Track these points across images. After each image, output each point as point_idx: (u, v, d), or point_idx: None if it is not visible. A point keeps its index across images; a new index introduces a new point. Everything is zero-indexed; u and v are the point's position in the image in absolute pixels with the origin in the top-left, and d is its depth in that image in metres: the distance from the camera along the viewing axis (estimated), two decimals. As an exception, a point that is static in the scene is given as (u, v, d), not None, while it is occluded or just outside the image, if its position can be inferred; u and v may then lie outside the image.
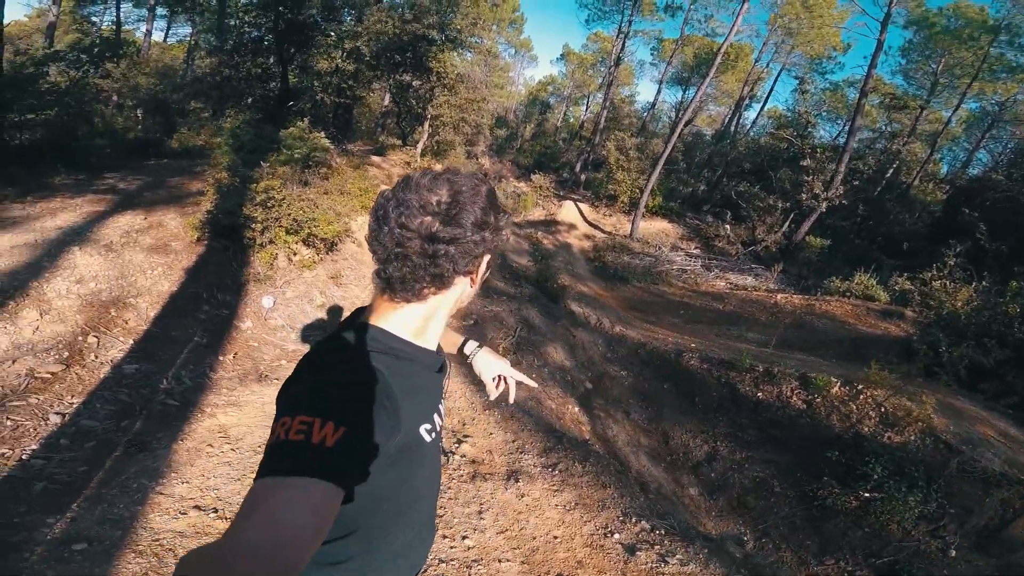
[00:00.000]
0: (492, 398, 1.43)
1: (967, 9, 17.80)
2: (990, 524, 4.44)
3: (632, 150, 18.33)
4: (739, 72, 24.01)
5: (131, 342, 3.94)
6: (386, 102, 17.84)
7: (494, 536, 3.12)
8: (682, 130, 17.86)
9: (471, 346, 1.46)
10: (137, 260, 4.81)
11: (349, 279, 6.48)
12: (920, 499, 4.48)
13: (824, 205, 14.48)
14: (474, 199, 0.91)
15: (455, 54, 12.91)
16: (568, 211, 17.84)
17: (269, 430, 3.21)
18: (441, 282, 0.92)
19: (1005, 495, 4.58)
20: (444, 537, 2.95)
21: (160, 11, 20.63)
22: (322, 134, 7.08)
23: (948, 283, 9.81)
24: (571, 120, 34.49)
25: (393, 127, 17.67)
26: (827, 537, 4.52)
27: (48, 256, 4.31)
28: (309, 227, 5.87)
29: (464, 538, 2.99)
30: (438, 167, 1.14)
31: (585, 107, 34.12)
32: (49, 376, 3.28)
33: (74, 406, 3.15)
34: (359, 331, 0.94)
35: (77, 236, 4.79)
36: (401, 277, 0.90)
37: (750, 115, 27.25)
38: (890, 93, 19.84)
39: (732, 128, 24.77)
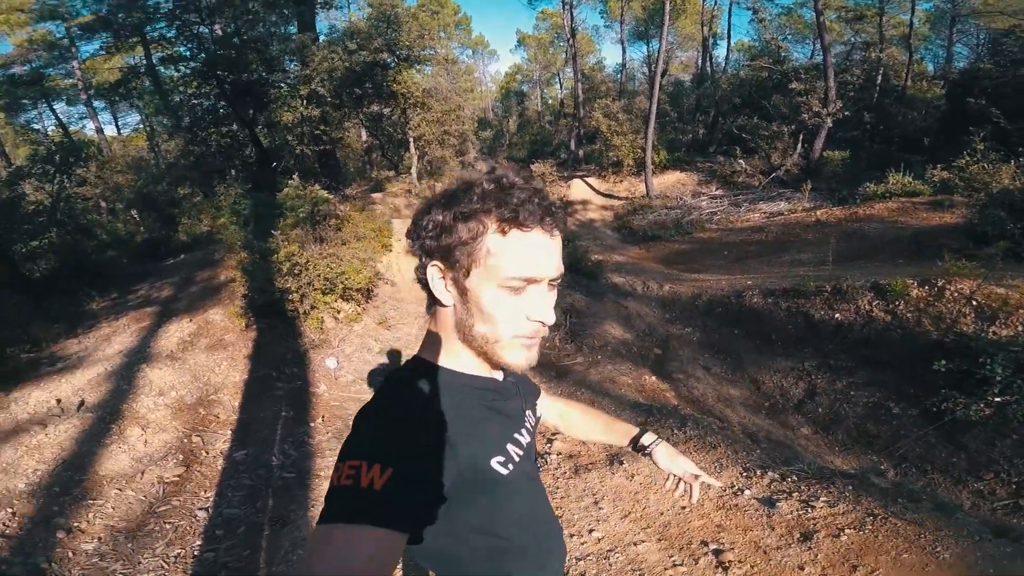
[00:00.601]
0: (694, 500, 1.31)
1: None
2: None
3: (620, 113, 18.36)
4: (692, 15, 24.52)
5: (229, 432, 4.21)
6: (364, 137, 18.00)
7: (619, 522, 3.18)
8: (660, 82, 17.84)
9: (649, 438, 1.38)
10: (202, 361, 5.10)
11: (395, 320, 6.72)
12: (1061, 394, 4.15)
13: (829, 120, 14.51)
14: (436, 197, 0.87)
15: (414, 71, 13.00)
16: (578, 189, 17.93)
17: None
18: (427, 288, 0.90)
19: None
20: (571, 536, 3.02)
21: (98, 103, 20.76)
22: (316, 186, 7.24)
23: (985, 165, 9.72)
24: (549, 101, 34.62)
25: (381, 160, 17.82)
26: (973, 452, 4.37)
27: (124, 380, 4.61)
28: (342, 282, 6.04)
29: (591, 531, 3.06)
30: (439, 186, 1.10)
31: (559, 85, 34.19)
32: (177, 479, 3.56)
33: (211, 499, 3.41)
34: (407, 367, 0.94)
35: (140, 355, 5.09)
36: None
37: (720, 53, 27.37)
38: (842, 7, 19.72)
39: (708, 69, 24.76)
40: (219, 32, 11.01)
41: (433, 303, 0.92)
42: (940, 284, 5.79)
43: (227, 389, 4.78)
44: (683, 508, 3.32)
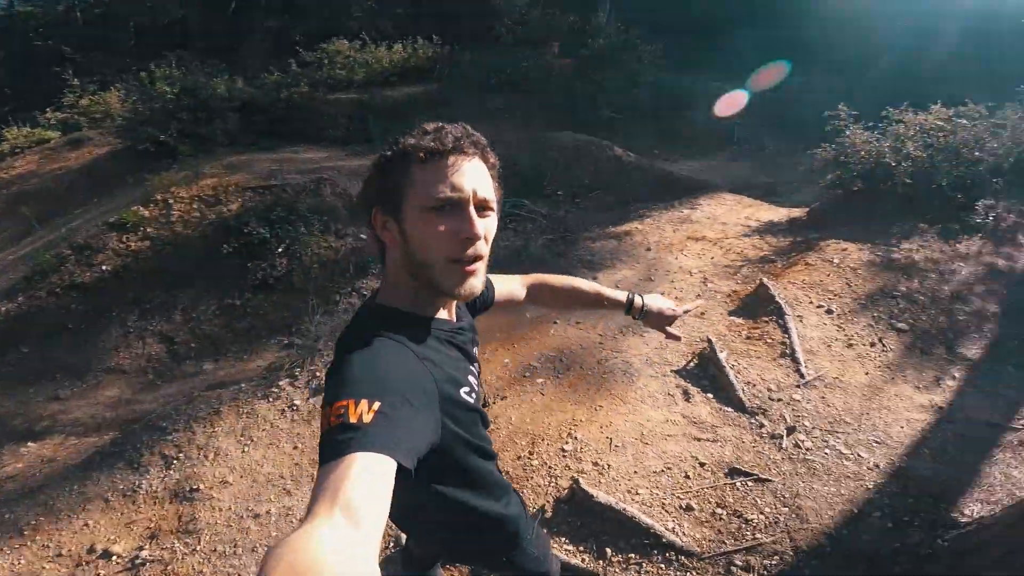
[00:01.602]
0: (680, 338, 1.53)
1: None
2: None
3: None
4: None
5: None
6: None
7: None
8: None
9: (640, 300, 1.44)
10: None
11: None
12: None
13: None
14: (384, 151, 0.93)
15: None
16: None
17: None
18: (377, 237, 0.96)
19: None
20: None
21: None
22: None
23: (91, 97, 9.86)
24: None
25: None
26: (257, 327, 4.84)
27: None
28: None
29: (479, 372, 2.97)
30: None
31: None
32: None
33: None
34: (367, 313, 0.97)
35: None
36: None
37: None
38: None
39: None
40: None
41: (383, 250, 0.97)
42: (161, 198, 6.02)
43: None
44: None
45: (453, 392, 0.93)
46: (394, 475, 0.67)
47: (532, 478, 2.73)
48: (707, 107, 9.78)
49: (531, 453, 2.88)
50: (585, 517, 2.46)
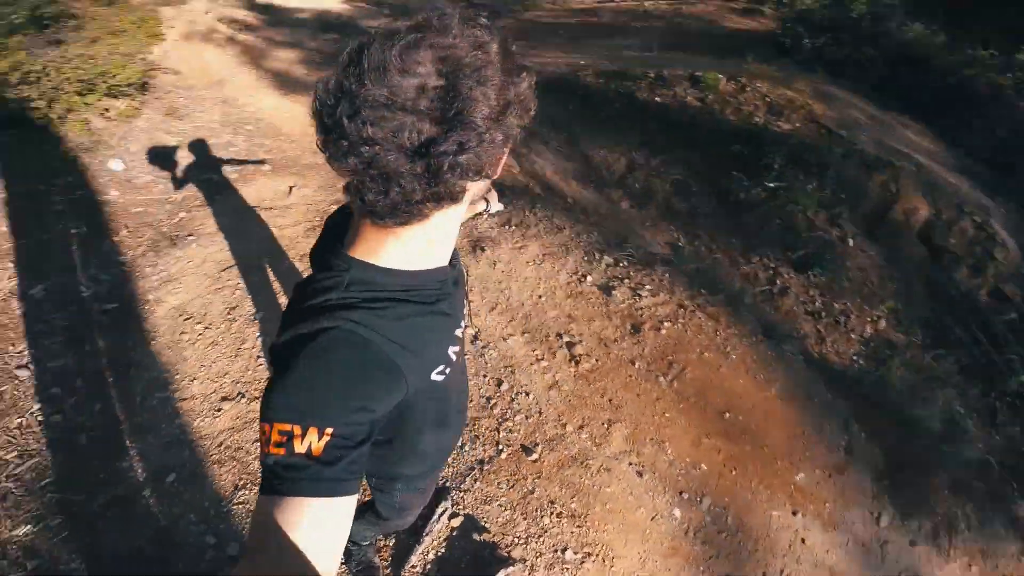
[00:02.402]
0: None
1: None
2: (874, 209, 4.75)
3: None
4: None
5: (11, 264, 3.13)
6: None
7: (489, 316, 3.21)
8: None
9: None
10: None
11: (188, 108, 5.38)
12: (816, 186, 4.72)
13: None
14: (482, 73, 0.62)
15: None
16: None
17: (220, 294, 3.28)
18: (449, 199, 0.67)
19: (883, 179, 4.84)
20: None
21: None
22: (22, -21, 5.04)
23: None
24: None
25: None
26: (747, 234, 4.70)
27: None
28: (105, 80, 4.78)
29: (464, 327, 3.21)
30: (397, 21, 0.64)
31: None
32: (-28, 336, 2.61)
33: (26, 353, 2.62)
34: (339, 277, 0.72)
35: None
36: (390, 204, 0.64)
37: None
38: None
39: None
40: None
41: (437, 206, 0.69)
42: (743, 81, 6.17)
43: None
44: (539, 298, 3.39)
45: (425, 384, 0.80)
46: (352, 507, 0.62)
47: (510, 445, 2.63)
48: None
49: (568, 428, 2.74)
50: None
